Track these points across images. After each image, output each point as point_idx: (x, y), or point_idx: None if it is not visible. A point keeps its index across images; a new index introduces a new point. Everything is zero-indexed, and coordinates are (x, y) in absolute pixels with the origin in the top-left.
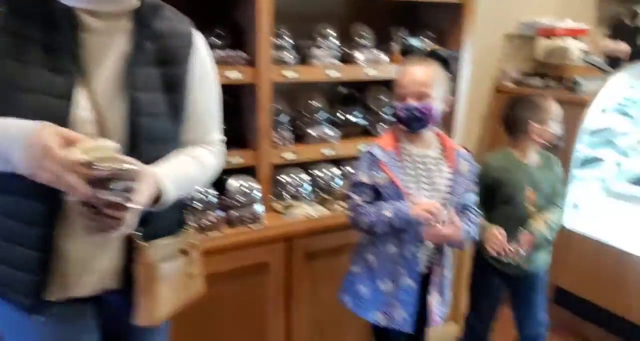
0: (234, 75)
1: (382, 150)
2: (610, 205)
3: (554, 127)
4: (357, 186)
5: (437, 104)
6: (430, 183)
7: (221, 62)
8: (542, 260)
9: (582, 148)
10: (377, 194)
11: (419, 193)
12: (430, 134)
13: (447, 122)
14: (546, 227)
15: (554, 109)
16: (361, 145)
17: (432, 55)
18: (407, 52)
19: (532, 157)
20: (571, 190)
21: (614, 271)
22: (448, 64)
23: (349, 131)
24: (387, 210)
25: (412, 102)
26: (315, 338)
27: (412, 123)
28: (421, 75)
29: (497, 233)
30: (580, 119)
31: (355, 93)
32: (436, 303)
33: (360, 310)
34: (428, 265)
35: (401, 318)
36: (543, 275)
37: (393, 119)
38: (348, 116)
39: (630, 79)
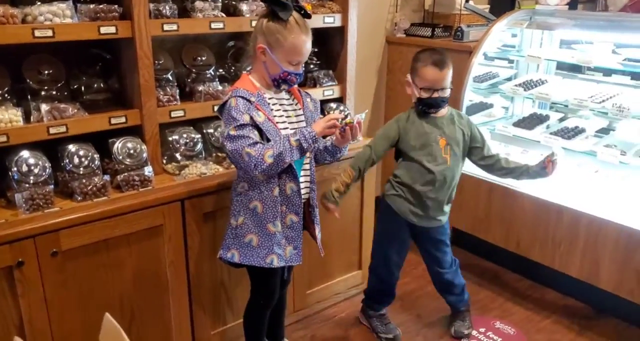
0: (107, 30)
1: (248, 93)
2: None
3: (421, 92)
4: (243, 127)
5: None
6: (291, 122)
7: (93, 17)
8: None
9: (470, 95)
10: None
11: (285, 131)
12: None
13: (340, 76)
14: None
15: (427, 72)
16: None
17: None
18: None
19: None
20: None
21: (504, 210)
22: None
23: None
24: (291, 137)
25: (299, 69)
26: (220, 297)
27: (289, 84)
28: (309, 45)
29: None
30: (466, 67)
31: (245, 47)
32: (318, 232)
33: (252, 259)
34: (305, 197)
35: (291, 253)
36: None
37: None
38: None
39: (510, 25)
